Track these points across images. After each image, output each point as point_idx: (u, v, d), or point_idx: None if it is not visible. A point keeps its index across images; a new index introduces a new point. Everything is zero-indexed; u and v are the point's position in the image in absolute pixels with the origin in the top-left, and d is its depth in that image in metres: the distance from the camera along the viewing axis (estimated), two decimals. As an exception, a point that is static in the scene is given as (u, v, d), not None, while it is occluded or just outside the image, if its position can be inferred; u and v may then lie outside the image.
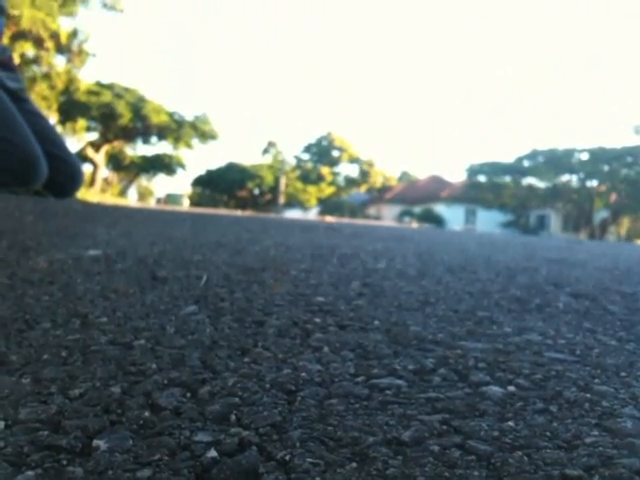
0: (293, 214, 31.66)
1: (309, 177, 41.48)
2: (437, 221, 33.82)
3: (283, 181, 37.08)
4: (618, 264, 3.35)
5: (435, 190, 39.70)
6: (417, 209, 37.04)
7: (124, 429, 0.70)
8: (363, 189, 44.20)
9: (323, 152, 44.45)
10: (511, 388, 0.91)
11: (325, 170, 42.38)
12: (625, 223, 35.73)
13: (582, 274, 2.57)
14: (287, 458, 0.64)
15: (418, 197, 39.04)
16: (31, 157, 2.88)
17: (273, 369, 0.95)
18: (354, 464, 0.63)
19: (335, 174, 44.12)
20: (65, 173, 3.02)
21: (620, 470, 0.63)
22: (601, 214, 35.13)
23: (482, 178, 37.90)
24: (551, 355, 1.12)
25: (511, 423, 0.76)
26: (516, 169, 36.82)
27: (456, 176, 41.94)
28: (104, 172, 35.78)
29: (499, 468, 0.63)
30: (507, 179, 37.25)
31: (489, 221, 35.38)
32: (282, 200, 36.46)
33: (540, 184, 36.52)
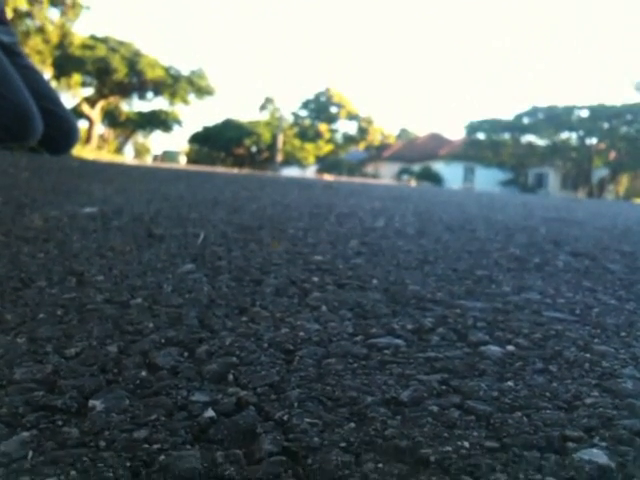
0: (291, 172, 31.48)
1: (307, 134, 41.13)
2: (436, 179, 33.67)
3: (281, 138, 36.77)
4: (617, 223, 3.34)
5: (434, 148, 39.39)
6: (416, 167, 36.81)
7: (120, 389, 0.70)
8: (361, 147, 43.88)
9: (321, 108, 43.98)
10: (510, 348, 0.91)
11: (323, 127, 42.01)
12: (624, 181, 35.62)
13: (581, 233, 2.56)
14: (285, 418, 0.63)
15: (417, 155, 38.76)
16: (26, 113, 2.84)
17: (271, 328, 0.95)
18: (352, 424, 0.63)
19: (333, 131, 43.75)
20: (60, 129, 2.99)
21: (620, 431, 0.62)
22: (600, 172, 35.00)
23: (481, 136, 37.61)
24: (550, 314, 1.12)
25: (510, 383, 0.76)
26: (516, 126, 36.51)
27: (456, 134, 41.60)
28: (100, 128, 35.44)
29: (498, 429, 0.63)
30: (506, 137, 36.98)
31: (488, 179, 35.24)
32: (280, 158, 36.21)
33: (539, 142, 36.27)
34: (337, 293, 1.20)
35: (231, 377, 0.74)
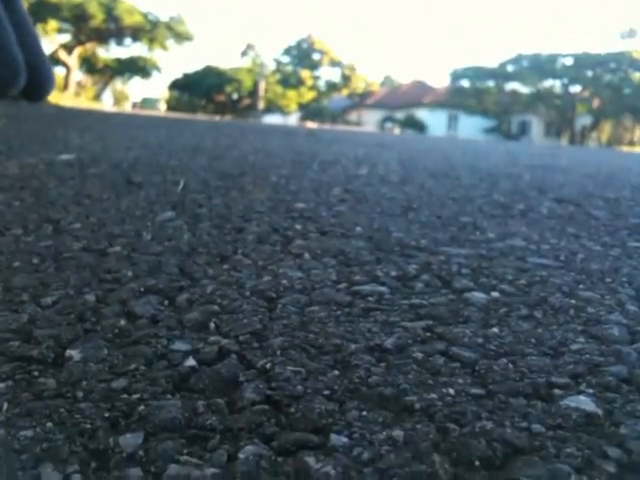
0: (273, 119, 31.04)
1: (289, 81, 40.42)
2: (419, 127, 33.45)
3: (262, 85, 36.09)
4: (601, 170, 3.34)
5: (418, 95, 38.96)
6: (399, 115, 36.50)
7: (98, 338, 0.68)
8: (344, 94, 43.29)
9: (303, 55, 43.14)
10: (495, 294, 0.90)
11: (305, 74, 41.30)
12: (606, 129, 35.67)
13: (565, 180, 2.55)
14: (267, 366, 0.62)
15: (400, 102, 38.32)
16: (15, 67, 2.80)
17: (253, 276, 0.93)
18: (336, 372, 0.62)
19: (316, 78, 43.04)
20: (39, 79, 2.92)
21: (607, 378, 0.62)
22: (583, 120, 34.98)
23: (465, 83, 37.29)
24: (535, 260, 1.11)
25: (495, 329, 0.75)
26: (500, 74, 36.19)
27: (440, 81, 41.13)
28: (77, 75, 34.53)
29: (483, 375, 0.62)
30: (490, 84, 36.70)
31: (471, 127, 35.07)
32: (261, 105, 35.61)
33: (523, 89, 36.05)
34: (320, 241, 1.18)
35: (212, 325, 0.73)
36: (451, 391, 0.59)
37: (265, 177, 2.02)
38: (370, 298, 0.86)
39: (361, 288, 0.90)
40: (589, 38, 69.93)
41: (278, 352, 0.66)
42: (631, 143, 30.17)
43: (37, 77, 2.87)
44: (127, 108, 31.35)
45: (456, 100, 36.62)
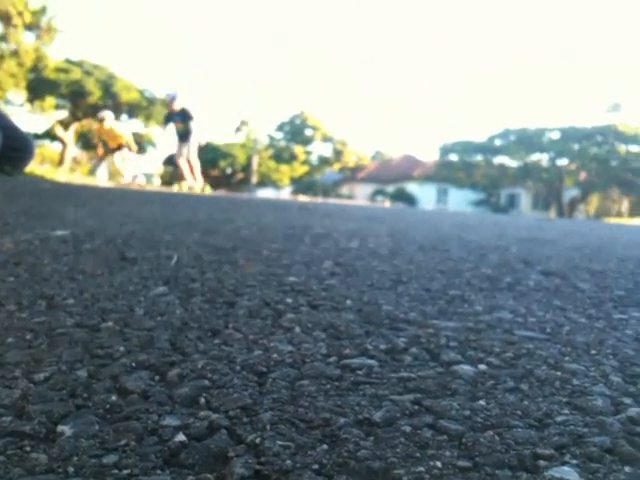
0: (266, 193, 31.48)
1: (282, 156, 41.23)
2: (409, 200, 33.97)
3: (256, 160, 36.78)
4: (588, 242, 3.40)
5: (408, 169, 39.76)
6: (390, 188, 37.11)
7: (90, 414, 0.69)
8: (336, 168, 44.11)
9: (296, 131, 44.18)
10: (482, 367, 0.91)
11: (298, 149, 42.18)
12: (594, 201, 36.31)
13: (552, 252, 2.60)
14: (257, 441, 0.63)
15: (391, 176, 39.06)
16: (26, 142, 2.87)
17: (244, 350, 0.94)
18: (325, 446, 0.63)
19: (308, 153, 43.95)
20: (17, 147, 2.98)
21: (591, 449, 0.63)
22: (571, 192, 35.64)
23: (454, 157, 38.18)
24: (522, 333, 1.13)
25: (482, 402, 0.76)
26: (488, 148, 37.11)
27: (429, 155, 42.13)
28: (73, 151, 35.11)
29: (470, 448, 0.63)
30: (479, 158, 37.58)
31: (461, 200, 35.67)
32: (255, 179, 36.19)
33: (511, 163, 36.89)
34: (311, 314, 1.20)
35: (203, 400, 0.74)
36: (438, 464, 0.59)
37: (257, 251, 2.05)
38: (359, 371, 0.87)
39: (351, 362, 0.91)
40: (575, 112, 72.17)
41: (268, 426, 0.67)
42: (618, 215, 30.64)
43: (15, 142, 2.93)
44: (122, 182, 31.74)
45: (445, 174, 37.38)
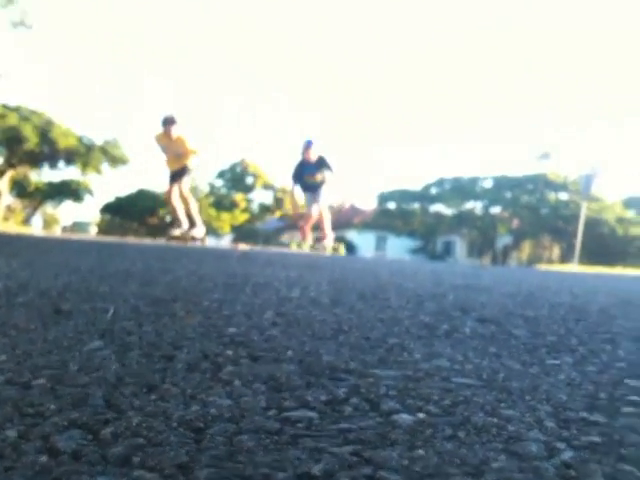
0: (206, 242, 31.23)
1: (223, 204, 41.18)
2: (349, 248, 34.37)
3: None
4: (521, 289, 3.50)
5: (348, 217, 40.34)
6: (330, 236, 37.53)
7: (18, 476, 0.66)
8: (277, 215, 44.31)
9: (237, 179, 44.33)
10: (421, 415, 0.92)
11: (239, 197, 42.23)
12: (526, 248, 37.59)
13: (487, 299, 2.66)
14: (194, 501, 0.61)
15: (332, 224, 39.54)
16: None
17: (181, 406, 0.92)
18: (264, 503, 0.62)
19: (249, 201, 44.06)
20: None
21: (524, 495, 0.64)
22: (504, 239, 36.84)
23: (392, 205, 39.06)
24: (459, 380, 1.15)
25: (421, 451, 0.77)
26: (424, 196, 38.19)
27: (368, 204, 42.98)
28: (7, 199, 34.14)
29: (409, 499, 0.63)
30: (416, 206, 38.57)
31: (399, 247, 36.33)
32: (195, 227, 35.95)
33: (447, 211, 38.02)
34: (251, 366, 1.19)
35: (137, 459, 0.71)
36: (377, 517, 0.59)
37: (197, 302, 2.02)
38: (299, 424, 0.86)
39: (291, 414, 0.90)
40: (507, 162, 75.28)
41: (205, 485, 0.65)
42: (550, 261, 31.76)
43: None
44: (57, 232, 30.92)
45: (384, 221, 38.15)
